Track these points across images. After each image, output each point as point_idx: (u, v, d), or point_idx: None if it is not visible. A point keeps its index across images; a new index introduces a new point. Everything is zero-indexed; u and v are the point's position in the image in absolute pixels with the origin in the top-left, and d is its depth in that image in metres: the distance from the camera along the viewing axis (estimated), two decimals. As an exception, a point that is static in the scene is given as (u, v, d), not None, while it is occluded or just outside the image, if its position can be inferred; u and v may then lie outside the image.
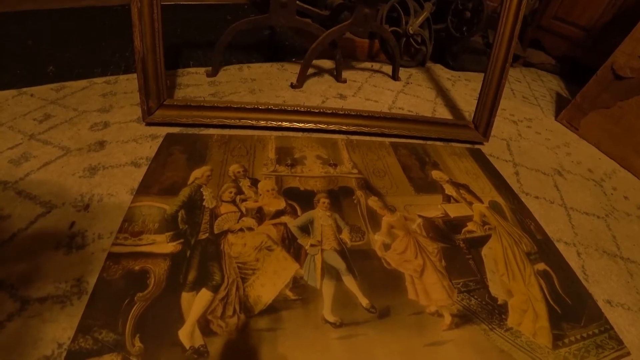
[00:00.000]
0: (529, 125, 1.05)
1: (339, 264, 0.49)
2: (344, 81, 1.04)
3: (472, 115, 0.89)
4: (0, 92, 0.80)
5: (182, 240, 0.48)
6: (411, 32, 1.15)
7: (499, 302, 0.49)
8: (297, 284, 0.45)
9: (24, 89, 0.83)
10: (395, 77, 1.13)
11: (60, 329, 0.39)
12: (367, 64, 1.24)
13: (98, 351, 0.36)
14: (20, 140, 0.65)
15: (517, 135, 0.97)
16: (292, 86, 0.95)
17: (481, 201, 0.66)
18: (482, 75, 1.33)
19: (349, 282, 0.47)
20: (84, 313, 0.40)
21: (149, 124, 0.73)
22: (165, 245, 0.48)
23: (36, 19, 1.28)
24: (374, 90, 1.06)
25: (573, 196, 0.77)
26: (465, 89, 1.20)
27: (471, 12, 1.20)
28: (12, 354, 0.36)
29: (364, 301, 0.45)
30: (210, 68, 0.97)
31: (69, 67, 0.95)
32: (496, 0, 1.28)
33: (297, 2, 0.90)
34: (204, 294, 0.43)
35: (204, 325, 0.40)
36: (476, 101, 0.87)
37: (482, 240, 0.58)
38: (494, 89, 0.84)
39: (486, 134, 0.86)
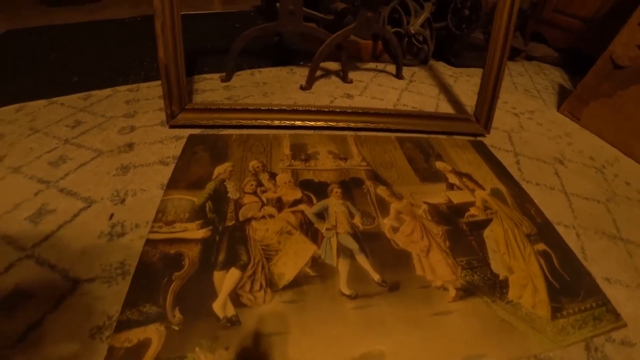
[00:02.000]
0: (531, 117, 1.08)
1: (353, 245, 0.54)
2: (350, 81, 1.10)
3: (474, 109, 0.93)
4: (33, 102, 0.87)
5: (211, 227, 0.54)
6: (413, 32, 1.20)
7: (500, 278, 0.53)
8: (315, 262, 0.51)
9: (54, 99, 0.90)
10: (399, 76, 1.18)
11: (108, 304, 0.44)
12: (372, 64, 1.28)
13: (143, 322, 0.42)
14: (56, 144, 0.72)
15: (518, 127, 1.01)
16: (302, 88, 1.01)
17: (483, 188, 0.71)
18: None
19: (362, 260, 0.52)
20: (128, 290, 0.45)
21: (172, 127, 0.79)
22: (196, 231, 0.54)
23: (54, 33, 1.37)
24: (379, 89, 1.11)
25: (573, 183, 0.80)
26: (467, 84, 1.24)
27: (469, 10, 1.24)
28: (69, 325, 0.42)
29: (376, 276, 0.50)
30: (224, 74, 1.03)
31: (92, 77, 1.02)
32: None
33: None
34: (234, 272, 0.48)
35: (235, 299, 0.45)
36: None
37: (484, 224, 0.63)
38: (492, 82, 0.88)
39: (487, 126, 0.90)
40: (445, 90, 1.17)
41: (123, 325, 0.41)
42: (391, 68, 1.26)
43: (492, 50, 0.86)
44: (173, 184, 0.62)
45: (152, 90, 0.97)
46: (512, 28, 0.83)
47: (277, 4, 0.93)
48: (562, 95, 1.27)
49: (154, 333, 0.41)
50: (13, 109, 0.84)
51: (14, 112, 0.83)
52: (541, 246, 0.61)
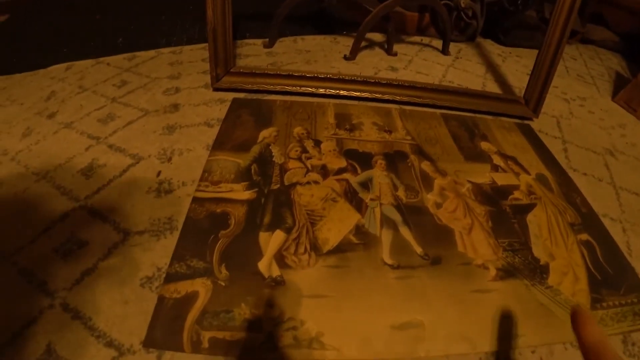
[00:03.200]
0: (582, 104, 1.02)
1: (396, 216, 0.54)
2: (395, 54, 1.06)
3: (522, 91, 0.89)
4: (81, 62, 0.91)
5: (256, 190, 0.56)
6: (463, 5, 1.14)
7: (540, 263, 0.53)
8: (359, 230, 0.52)
9: (101, 59, 0.93)
10: (445, 51, 1.13)
11: (158, 256, 0.46)
12: (417, 38, 1.24)
13: (191, 275, 0.44)
14: (104, 102, 0.75)
15: (568, 114, 0.96)
16: (346, 58, 0.99)
17: (528, 173, 0.69)
18: (534, 51, 1.29)
19: (405, 232, 0.53)
20: (177, 244, 0.47)
21: (216, 89, 0.80)
22: (242, 192, 0.55)
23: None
24: (424, 64, 1.07)
25: (624, 176, 0.76)
26: (517, 65, 1.18)
27: (529, -15, 1.16)
28: (120, 274, 0.44)
29: (418, 249, 0.51)
30: (266, 40, 1.03)
31: (136, 38, 1.04)
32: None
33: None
34: (279, 234, 0.50)
35: (280, 260, 0.47)
36: (527, 77, 0.87)
37: (528, 208, 0.62)
38: (547, 64, 0.84)
39: (536, 110, 0.86)
40: (493, 69, 1.12)
41: (172, 277, 0.43)
42: (437, 43, 1.21)
43: (552, 30, 0.81)
44: (218, 145, 0.63)
45: (195, 53, 0.98)
46: (577, 7, 0.77)
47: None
48: (619, 84, 1.19)
49: (201, 287, 0.43)
50: (62, 68, 0.88)
51: (64, 71, 0.87)
52: (585, 236, 0.59)
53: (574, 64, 1.31)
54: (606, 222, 0.64)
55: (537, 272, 0.52)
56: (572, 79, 1.18)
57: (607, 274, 0.54)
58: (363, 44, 1.03)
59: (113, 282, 0.43)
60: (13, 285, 0.42)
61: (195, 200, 0.53)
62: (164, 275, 0.44)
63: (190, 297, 0.42)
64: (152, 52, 0.97)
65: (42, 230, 0.48)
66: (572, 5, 0.78)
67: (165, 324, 0.39)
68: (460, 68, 1.09)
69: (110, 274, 0.44)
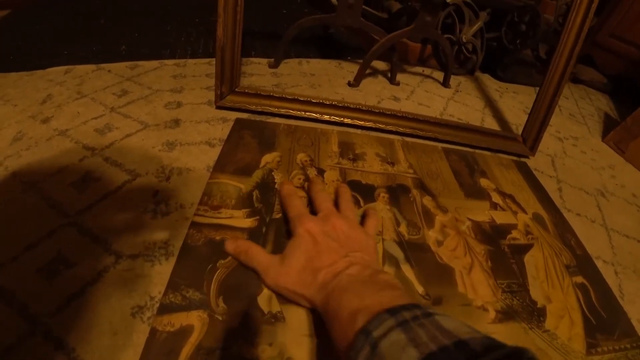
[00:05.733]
0: (575, 144, 1.06)
1: (398, 253, 0.54)
2: (398, 84, 1.08)
3: (519, 127, 0.91)
4: (81, 66, 0.89)
5: (258, 217, 0.54)
6: (464, 40, 1.18)
7: (538, 306, 0.53)
8: (361, 265, 0.51)
9: (102, 65, 0.91)
10: (446, 84, 1.16)
11: (152, 284, 0.43)
12: (418, 69, 1.26)
13: (186, 307, 0.41)
14: (103, 111, 0.73)
15: (562, 153, 0.99)
16: (350, 84, 1.00)
17: (525, 212, 0.70)
18: (529, 88, 1.34)
19: (407, 270, 0.52)
20: (172, 272, 0.44)
21: (219, 107, 0.79)
22: (243, 220, 0.53)
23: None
24: (425, 95, 1.09)
25: (615, 218, 0.78)
26: (513, 101, 1.21)
27: (527, 25, 1.21)
28: (110, 300, 0.41)
29: (420, 289, 0.50)
30: (272, 60, 1.03)
31: (140, 47, 1.03)
32: (551, 14, 1.28)
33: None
34: (279, 267, 0.48)
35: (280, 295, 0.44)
36: (523, 114, 0.90)
37: (525, 248, 0.62)
38: (547, 104, 0.87)
39: (533, 149, 0.88)
40: (491, 104, 1.15)
41: (166, 308, 0.41)
42: (437, 75, 1.24)
43: (552, 71, 0.84)
44: (219, 167, 0.62)
45: (199, 67, 0.98)
46: (578, 50, 0.81)
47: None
48: (608, 124, 1.24)
49: (196, 320, 0.40)
50: (62, 71, 0.86)
51: (63, 74, 0.85)
52: (580, 279, 0.60)
53: (566, 102, 1.36)
54: (599, 264, 0.65)
55: (535, 315, 0.52)
56: (564, 118, 1.22)
57: (602, 318, 0.54)
58: (367, 71, 1.04)
59: (101, 310, 0.40)
60: (-10, 306, 0.39)
61: (193, 225, 0.51)
62: (157, 305, 0.41)
63: (185, 331, 0.39)
64: (155, 63, 0.96)
65: (26, 247, 0.45)
66: (573, 48, 0.81)
67: (158, 360, 0.37)
68: (460, 101, 1.11)
69: (99, 301, 0.41)
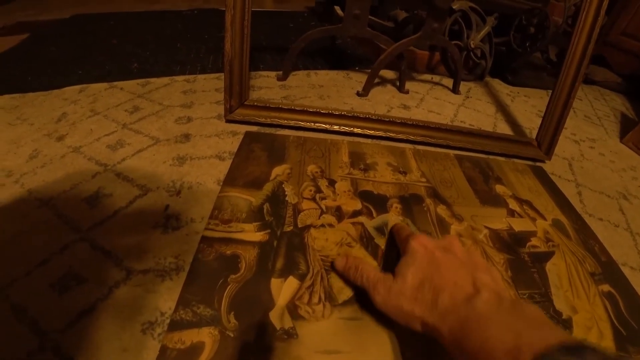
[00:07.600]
0: (592, 146, 1.03)
1: (414, 264, 0.52)
2: (407, 92, 1.08)
3: (533, 132, 0.89)
4: (94, 85, 0.91)
5: (268, 231, 0.53)
6: (472, 46, 1.17)
7: (563, 317, 0.50)
8: (376, 278, 0.49)
9: (114, 83, 0.94)
10: (455, 90, 1.15)
11: (162, 299, 0.43)
12: (427, 76, 1.26)
13: (197, 323, 0.40)
14: (115, 128, 0.75)
15: (579, 156, 0.96)
16: (358, 94, 1.00)
17: (544, 218, 0.67)
18: (540, 91, 1.32)
19: (424, 281, 0.50)
20: (183, 288, 0.44)
21: (228, 121, 0.80)
22: (253, 234, 0.53)
23: (117, 20, 1.43)
24: (435, 102, 1.08)
25: (639, 221, 0.75)
26: (525, 105, 1.19)
27: (535, 28, 1.19)
28: (120, 316, 0.41)
29: (438, 300, 0.48)
30: (280, 72, 1.04)
31: (151, 65, 1.06)
32: (560, 16, 1.26)
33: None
34: (292, 282, 0.47)
35: (292, 310, 0.44)
36: (537, 118, 0.88)
37: (546, 256, 0.60)
38: (561, 107, 0.84)
39: (549, 153, 0.86)
40: (502, 109, 1.13)
41: (176, 324, 0.40)
42: (447, 81, 1.23)
43: (564, 73, 0.82)
44: (230, 181, 0.62)
45: (209, 82, 0.99)
46: (590, 52, 0.79)
47: (336, 7, 0.93)
48: (625, 125, 1.20)
49: (207, 337, 0.39)
50: (76, 89, 0.89)
51: (77, 93, 0.87)
52: (606, 287, 0.57)
53: (580, 104, 1.33)
54: (626, 271, 0.61)
55: (561, 326, 0.49)
56: (580, 120, 1.19)
57: (632, 328, 0.51)
58: (375, 80, 1.04)
59: (112, 326, 0.40)
60: (2, 322, 0.39)
61: (204, 239, 0.50)
62: (167, 321, 0.41)
63: (196, 349, 0.38)
64: (166, 79, 0.98)
65: (40, 262, 0.45)
66: (585, 49, 0.79)
67: (168, 379, 0.36)
68: (471, 107, 1.10)
69: (109, 317, 0.41)
